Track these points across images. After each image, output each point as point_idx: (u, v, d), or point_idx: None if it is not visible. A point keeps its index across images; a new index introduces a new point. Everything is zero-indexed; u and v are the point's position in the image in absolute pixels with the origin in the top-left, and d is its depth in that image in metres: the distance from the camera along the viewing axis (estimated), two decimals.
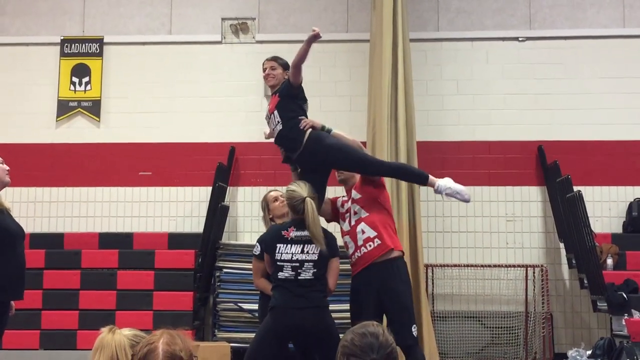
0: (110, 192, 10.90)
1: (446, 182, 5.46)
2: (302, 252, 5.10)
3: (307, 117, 5.62)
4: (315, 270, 5.07)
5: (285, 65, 5.75)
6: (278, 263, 5.13)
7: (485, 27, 11.00)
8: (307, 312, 5.00)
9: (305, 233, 5.13)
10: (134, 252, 10.17)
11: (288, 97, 5.60)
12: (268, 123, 5.77)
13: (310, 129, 5.51)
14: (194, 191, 10.84)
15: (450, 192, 5.43)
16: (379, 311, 5.28)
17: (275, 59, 5.83)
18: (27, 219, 10.44)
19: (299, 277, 5.06)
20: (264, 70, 5.80)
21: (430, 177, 5.51)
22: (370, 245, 5.42)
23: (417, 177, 5.72)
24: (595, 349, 8.33)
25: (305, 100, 5.75)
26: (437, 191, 5.47)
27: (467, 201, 5.54)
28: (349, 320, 5.45)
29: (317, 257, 5.10)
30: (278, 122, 5.54)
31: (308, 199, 5.11)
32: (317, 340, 5.08)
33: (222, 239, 10.37)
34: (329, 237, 5.24)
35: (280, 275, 5.11)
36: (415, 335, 5.40)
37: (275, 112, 5.57)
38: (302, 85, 5.74)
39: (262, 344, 5.08)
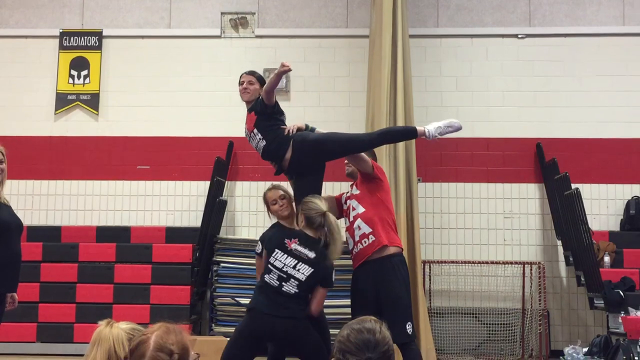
0: (108, 186, 10.90)
1: (433, 125, 5.53)
2: (294, 268, 5.08)
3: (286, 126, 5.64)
4: (297, 290, 5.05)
5: (262, 81, 5.74)
6: (269, 265, 5.12)
7: (485, 24, 10.99)
8: (283, 321, 4.99)
9: (306, 251, 5.10)
10: (132, 246, 10.16)
11: (265, 114, 5.59)
12: (249, 140, 5.74)
13: (290, 135, 5.51)
14: (192, 185, 10.84)
15: (441, 131, 5.50)
16: (375, 307, 5.27)
17: (253, 73, 5.81)
18: (24, 212, 10.44)
19: (282, 289, 5.05)
20: (241, 83, 5.77)
21: (418, 128, 5.60)
22: (365, 242, 5.43)
23: (407, 134, 5.89)
24: (591, 347, 8.34)
25: (282, 112, 5.73)
26: (430, 137, 5.52)
27: (460, 128, 5.58)
28: (348, 316, 5.47)
29: (304, 279, 5.07)
30: (260, 138, 5.54)
31: (329, 214, 5.12)
32: (290, 347, 5.12)
33: (220, 233, 10.38)
34: (326, 265, 5.18)
35: (266, 277, 5.10)
36: (409, 333, 5.39)
37: (255, 130, 5.57)
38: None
39: (237, 342, 5.10)
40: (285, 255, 5.10)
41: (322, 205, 5.17)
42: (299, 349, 5.09)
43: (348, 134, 5.78)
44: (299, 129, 5.57)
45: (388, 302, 5.31)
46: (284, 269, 5.07)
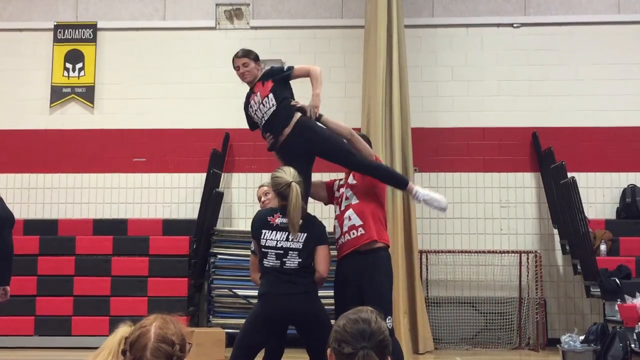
0: (104, 179, 10.89)
1: (425, 190, 5.46)
2: (287, 239, 4.98)
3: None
4: (300, 260, 4.96)
5: (255, 57, 5.68)
6: (263, 249, 5.03)
7: (480, 13, 10.98)
8: (296, 298, 4.92)
9: None
10: (129, 239, 10.16)
11: (284, 81, 5.56)
12: (255, 112, 5.61)
13: (299, 113, 5.46)
14: (189, 177, 10.83)
15: (427, 199, 5.41)
16: (358, 298, 5.20)
17: (245, 55, 5.70)
18: (21, 205, 10.45)
19: (285, 266, 4.96)
20: (237, 68, 5.67)
21: (410, 183, 5.53)
22: (354, 234, 5.34)
23: (398, 181, 5.68)
24: (588, 334, 8.35)
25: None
26: (415, 197, 5.45)
27: (443, 209, 5.52)
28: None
29: (301, 246, 4.97)
30: (273, 105, 5.45)
31: (293, 184, 4.99)
32: (306, 326, 5.03)
33: (217, 225, 10.39)
34: (317, 225, 5.13)
35: (266, 262, 5.00)
36: (390, 327, 5.36)
37: (270, 95, 5.47)
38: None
39: (251, 330, 5.03)
40: (274, 232, 5.03)
41: (287, 176, 5.10)
42: (316, 327, 4.99)
43: (348, 146, 5.59)
44: (302, 109, 5.49)
45: (370, 294, 5.25)
46: (279, 245, 4.99)
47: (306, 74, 5.61)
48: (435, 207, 5.47)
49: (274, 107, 5.44)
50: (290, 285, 4.94)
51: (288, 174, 5.06)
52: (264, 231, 5.05)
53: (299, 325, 5.07)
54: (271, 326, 5.01)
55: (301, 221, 5.00)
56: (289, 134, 5.41)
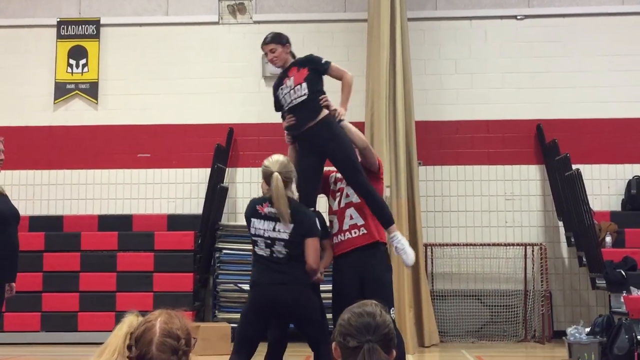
0: (109, 174, 10.90)
1: (403, 239, 5.43)
2: (274, 230, 4.98)
3: None
4: (287, 250, 4.96)
5: (283, 40, 5.68)
6: (253, 237, 5.08)
7: (484, 6, 10.96)
8: (285, 287, 4.93)
9: None
10: (134, 234, 10.20)
11: (319, 74, 5.57)
12: (284, 95, 5.58)
13: (327, 111, 5.47)
14: (193, 173, 10.84)
15: (399, 247, 5.38)
16: (359, 294, 5.19)
17: (272, 40, 5.70)
18: (26, 202, 10.47)
19: (274, 255, 4.98)
20: (265, 55, 5.71)
21: (394, 225, 5.48)
22: (355, 233, 5.35)
23: (385, 218, 5.57)
24: (594, 326, 8.34)
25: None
26: (391, 240, 5.44)
27: (408, 265, 5.52)
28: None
29: (288, 237, 4.96)
30: (304, 94, 5.44)
31: (275, 174, 4.98)
32: (298, 316, 5.05)
33: (222, 220, 10.40)
34: (307, 217, 5.08)
35: (257, 250, 5.05)
36: (393, 318, 5.36)
37: (304, 84, 5.48)
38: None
39: (245, 322, 5.05)
40: (262, 221, 5.02)
41: (273, 166, 5.08)
42: (307, 317, 5.00)
43: (358, 162, 5.57)
44: (329, 108, 5.49)
45: (372, 288, 5.25)
46: (266, 235, 4.99)
47: (339, 78, 5.66)
48: (402, 259, 5.46)
49: (305, 97, 5.45)
50: (279, 274, 4.95)
51: (274, 164, 5.04)
52: (253, 219, 5.08)
53: (290, 315, 5.08)
54: (263, 316, 5.01)
55: (289, 211, 4.99)
56: (311, 126, 5.42)
